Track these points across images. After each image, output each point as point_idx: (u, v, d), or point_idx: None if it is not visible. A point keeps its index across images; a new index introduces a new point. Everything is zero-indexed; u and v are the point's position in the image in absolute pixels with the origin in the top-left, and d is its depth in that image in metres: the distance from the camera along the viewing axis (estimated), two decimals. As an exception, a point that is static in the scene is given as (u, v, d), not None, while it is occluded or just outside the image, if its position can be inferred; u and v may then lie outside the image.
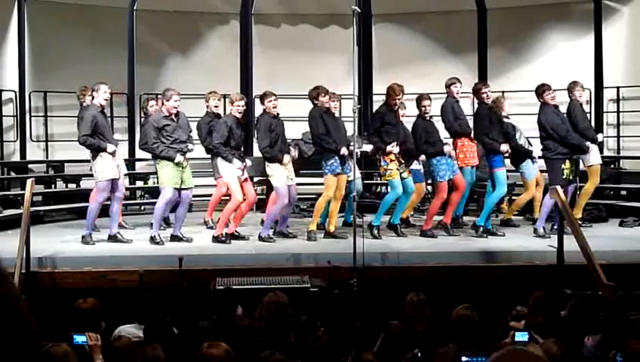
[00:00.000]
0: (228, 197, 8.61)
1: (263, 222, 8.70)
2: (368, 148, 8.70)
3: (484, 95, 8.77)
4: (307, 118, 8.61)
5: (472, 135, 8.87)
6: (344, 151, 8.33)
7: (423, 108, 8.72)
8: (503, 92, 11.03)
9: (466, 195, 9.13)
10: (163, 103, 8.40)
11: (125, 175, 9.52)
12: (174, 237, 8.32)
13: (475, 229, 8.69)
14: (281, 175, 8.29)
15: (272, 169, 8.32)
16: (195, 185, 8.72)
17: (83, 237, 8.21)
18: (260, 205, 9.90)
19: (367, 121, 10.49)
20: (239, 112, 8.35)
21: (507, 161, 8.97)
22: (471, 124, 8.97)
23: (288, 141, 8.77)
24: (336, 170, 8.39)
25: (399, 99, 8.44)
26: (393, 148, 8.33)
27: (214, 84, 9.98)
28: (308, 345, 4.36)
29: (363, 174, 10.07)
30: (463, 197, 8.94)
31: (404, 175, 8.53)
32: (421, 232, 8.72)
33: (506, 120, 8.93)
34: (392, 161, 8.44)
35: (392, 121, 8.47)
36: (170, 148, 8.14)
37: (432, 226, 8.75)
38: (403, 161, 8.53)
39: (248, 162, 8.56)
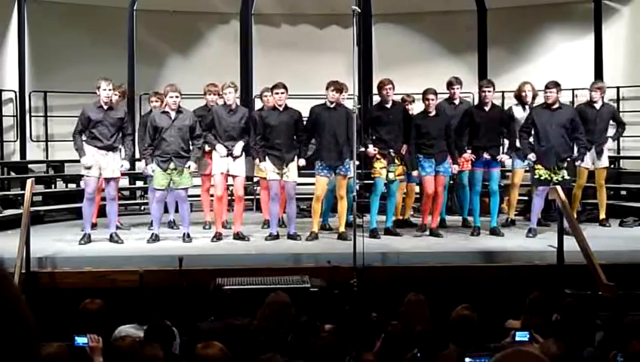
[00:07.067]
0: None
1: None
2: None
3: (483, 94, 8.78)
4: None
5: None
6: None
7: (427, 102, 8.72)
8: (503, 92, 11.05)
9: (467, 196, 9.17)
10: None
11: (124, 175, 9.54)
12: (183, 236, 8.37)
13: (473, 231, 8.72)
14: (269, 168, 8.40)
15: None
16: (197, 185, 8.69)
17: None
18: (259, 205, 9.90)
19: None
20: (228, 100, 8.48)
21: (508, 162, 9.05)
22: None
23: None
24: (318, 171, 8.46)
25: (389, 88, 8.53)
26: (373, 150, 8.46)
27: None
28: (310, 344, 4.36)
29: (363, 174, 10.07)
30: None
31: (391, 176, 8.53)
32: (430, 231, 8.71)
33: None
34: (377, 159, 8.47)
35: (383, 115, 8.63)
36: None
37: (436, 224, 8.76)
38: (399, 161, 8.55)
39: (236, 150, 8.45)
